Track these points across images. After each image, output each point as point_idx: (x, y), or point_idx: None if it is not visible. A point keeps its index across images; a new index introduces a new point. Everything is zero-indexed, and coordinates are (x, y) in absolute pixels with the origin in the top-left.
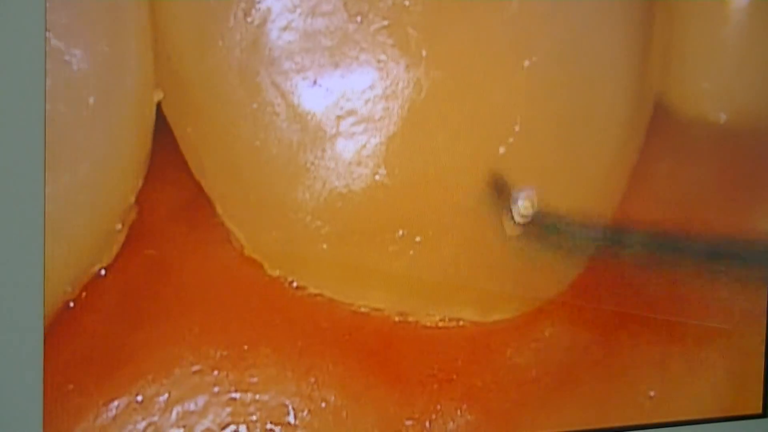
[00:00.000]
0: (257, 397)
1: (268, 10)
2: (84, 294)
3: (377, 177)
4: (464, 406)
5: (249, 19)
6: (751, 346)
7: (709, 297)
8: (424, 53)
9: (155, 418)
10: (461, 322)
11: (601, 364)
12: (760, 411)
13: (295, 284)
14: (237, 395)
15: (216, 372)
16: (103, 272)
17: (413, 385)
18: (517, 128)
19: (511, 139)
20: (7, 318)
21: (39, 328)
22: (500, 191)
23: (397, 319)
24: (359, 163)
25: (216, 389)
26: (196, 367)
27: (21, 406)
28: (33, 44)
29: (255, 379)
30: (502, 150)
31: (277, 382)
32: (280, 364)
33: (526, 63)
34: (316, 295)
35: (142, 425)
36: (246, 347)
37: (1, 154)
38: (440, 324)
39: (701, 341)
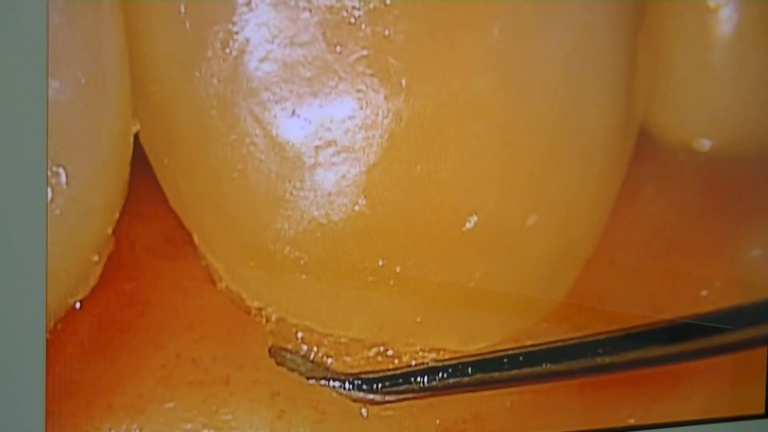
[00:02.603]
0: None
1: (246, 40)
2: (59, 326)
3: (357, 207)
4: None
5: (227, 50)
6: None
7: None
8: (404, 83)
9: None
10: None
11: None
12: (762, 411)
13: (274, 316)
14: None
15: (189, 409)
16: (78, 305)
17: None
18: (499, 156)
19: (492, 168)
20: (6, 344)
21: (41, 356)
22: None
23: (375, 350)
24: (339, 194)
25: (188, 426)
26: (169, 404)
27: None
28: (34, 77)
29: (228, 417)
30: (481, 178)
31: (250, 421)
32: (254, 402)
33: (508, 91)
34: (295, 326)
35: None
36: (220, 383)
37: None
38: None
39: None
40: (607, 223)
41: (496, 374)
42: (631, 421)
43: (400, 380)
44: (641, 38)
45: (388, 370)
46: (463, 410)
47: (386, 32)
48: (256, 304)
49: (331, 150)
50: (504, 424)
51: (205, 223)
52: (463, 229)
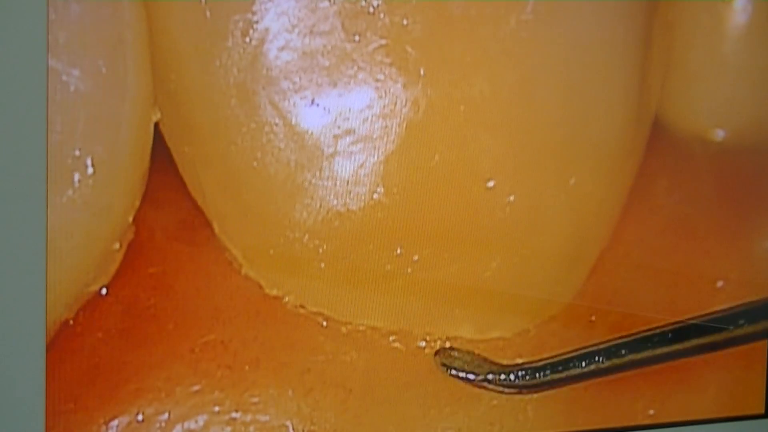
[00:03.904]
0: (258, 417)
1: (266, 30)
2: (82, 313)
3: (375, 196)
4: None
5: (247, 39)
6: (754, 345)
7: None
8: (422, 72)
9: None
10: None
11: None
12: (762, 411)
13: (293, 303)
14: (237, 415)
15: (216, 392)
16: (103, 291)
17: (413, 408)
18: (515, 144)
19: (508, 158)
20: (7, 336)
21: (41, 346)
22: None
23: (395, 337)
24: (357, 182)
25: (216, 409)
26: (196, 387)
27: (22, 425)
28: (34, 65)
29: (255, 399)
30: (497, 168)
31: (277, 403)
32: (281, 385)
33: (523, 82)
34: (314, 313)
35: None
36: (247, 367)
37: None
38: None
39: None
40: (621, 215)
41: (648, 353)
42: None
43: (560, 367)
44: (655, 30)
45: (548, 358)
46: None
47: (404, 22)
48: (274, 292)
49: (349, 139)
50: (526, 414)
51: (225, 211)
52: (480, 218)
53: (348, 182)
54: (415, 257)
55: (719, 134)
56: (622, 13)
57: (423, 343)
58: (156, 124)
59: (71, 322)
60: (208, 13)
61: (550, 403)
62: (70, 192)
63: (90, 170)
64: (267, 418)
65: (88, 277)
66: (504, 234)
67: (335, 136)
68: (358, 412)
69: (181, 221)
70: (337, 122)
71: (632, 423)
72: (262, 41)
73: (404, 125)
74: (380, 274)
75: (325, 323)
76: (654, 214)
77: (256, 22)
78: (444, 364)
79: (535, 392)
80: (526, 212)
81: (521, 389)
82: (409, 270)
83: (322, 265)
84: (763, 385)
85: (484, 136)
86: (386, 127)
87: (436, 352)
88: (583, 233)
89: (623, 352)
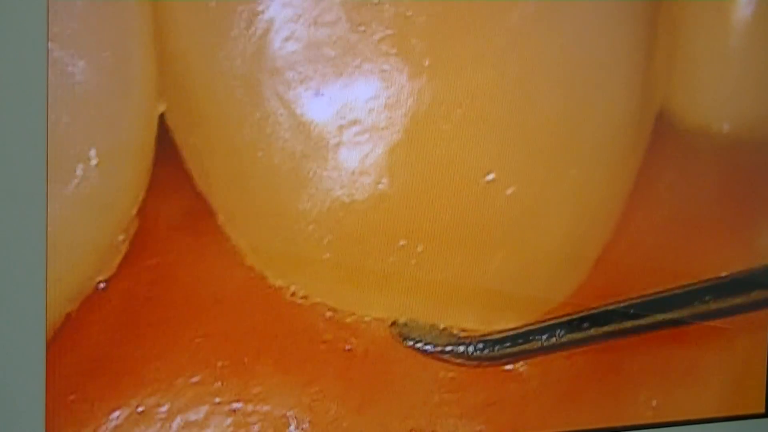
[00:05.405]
0: (258, 407)
1: (271, 20)
2: (86, 305)
3: (380, 186)
4: (465, 419)
5: (252, 30)
6: (754, 345)
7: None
8: (426, 63)
9: (156, 429)
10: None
11: (603, 371)
12: (762, 411)
13: (297, 293)
14: (238, 406)
15: (217, 383)
16: (104, 284)
17: (415, 397)
18: (518, 137)
19: (512, 149)
20: (8, 329)
21: (41, 338)
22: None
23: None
24: (362, 173)
25: (217, 400)
26: (197, 378)
27: (23, 417)
28: (35, 54)
29: (256, 390)
30: (500, 161)
31: (278, 393)
32: (282, 375)
33: (527, 74)
34: (318, 304)
35: None
36: (247, 358)
37: (2, 164)
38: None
39: (704, 340)
40: (625, 210)
41: (608, 328)
42: (654, 403)
43: (520, 340)
44: (660, 24)
45: (509, 330)
46: (490, 390)
47: (409, 12)
48: (279, 282)
49: (354, 129)
50: (529, 404)
51: (230, 202)
52: (482, 211)
53: (353, 173)
54: (419, 249)
55: (724, 128)
56: (626, 7)
57: None
58: (161, 116)
59: (74, 314)
60: (213, 3)
61: (551, 399)
62: (75, 183)
63: (94, 162)
64: (268, 408)
65: (93, 270)
66: (507, 227)
67: (340, 127)
68: (360, 401)
69: (185, 212)
70: (342, 112)
71: (632, 422)
72: (266, 31)
73: (409, 116)
74: (384, 266)
75: (329, 314)
76: (658, 209)
77: (261, 12)
78: (401, 335)
79: (495, 365)
80: (528, 205)
81: (481, 361)
82: (413, 262)
83: (327, 255)
84: (763, 385)
85: (487, 128)
86: (391, 117)
87: (392, 323)
88: (587, 227)
89: (585, 325)
